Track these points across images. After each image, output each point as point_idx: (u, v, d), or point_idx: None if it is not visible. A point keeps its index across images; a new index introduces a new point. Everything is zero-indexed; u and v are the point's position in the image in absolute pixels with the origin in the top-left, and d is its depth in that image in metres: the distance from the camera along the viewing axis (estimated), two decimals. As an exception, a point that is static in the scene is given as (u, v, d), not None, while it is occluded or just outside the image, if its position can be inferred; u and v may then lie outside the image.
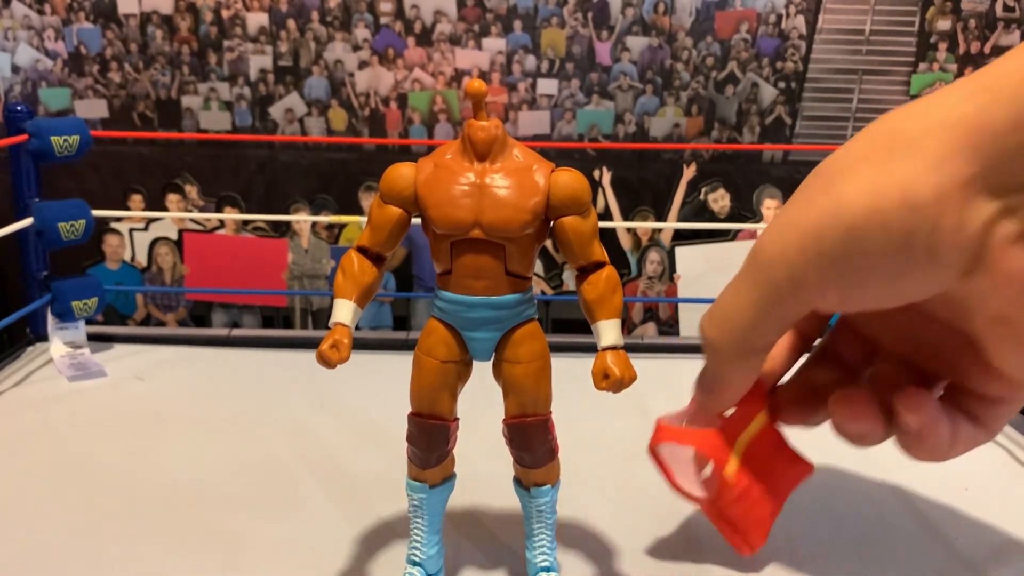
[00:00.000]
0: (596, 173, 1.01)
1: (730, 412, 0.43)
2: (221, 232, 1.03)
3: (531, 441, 0.44)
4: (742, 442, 0.41)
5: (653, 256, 1.04)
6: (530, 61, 0.99)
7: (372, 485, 0.59)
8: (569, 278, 1.05)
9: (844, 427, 0.38)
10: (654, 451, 0.45)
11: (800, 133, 1.02)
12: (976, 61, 0.98)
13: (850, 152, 0.30)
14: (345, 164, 1.02)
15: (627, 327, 1.07)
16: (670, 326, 1.07)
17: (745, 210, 1.03)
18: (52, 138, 0.77)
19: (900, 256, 0.28)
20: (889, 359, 0.40)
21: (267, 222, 1.02)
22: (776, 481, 0.45)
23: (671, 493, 0.49)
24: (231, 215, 1.02)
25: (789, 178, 1.02)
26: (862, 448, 0.39)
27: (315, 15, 0.98)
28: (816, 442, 0.70)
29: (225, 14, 0.98)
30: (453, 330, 0.43)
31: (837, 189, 0.29)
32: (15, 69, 0.99)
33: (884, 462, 0.65)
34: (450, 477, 0.47)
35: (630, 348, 0.42)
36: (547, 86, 1.00)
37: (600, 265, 0.42)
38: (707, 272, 1.04)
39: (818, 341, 0.44)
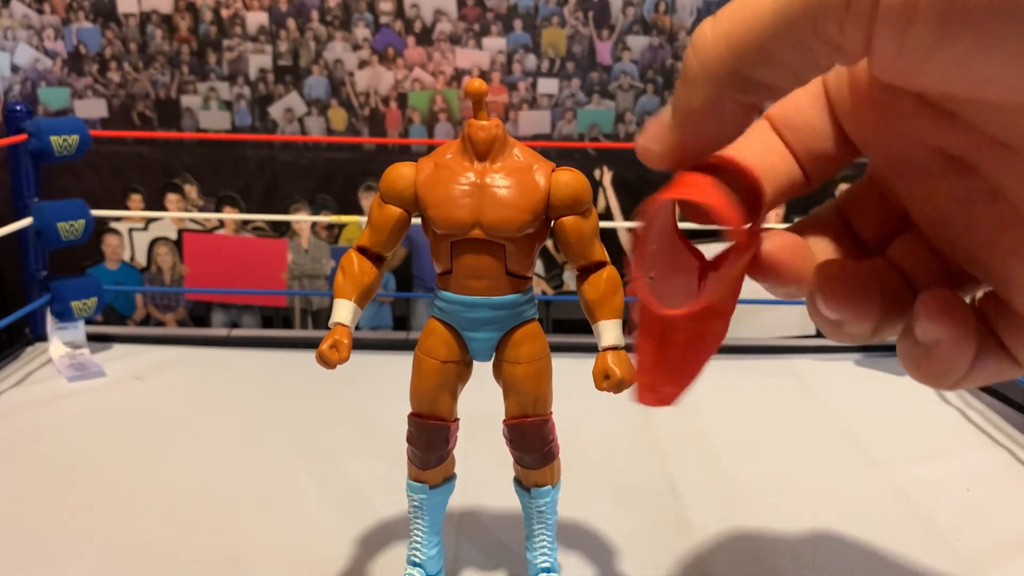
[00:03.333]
0: (597, 173, 1.01)
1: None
2: (221, 232, 1.03)
3: (531, 441, 0.44)
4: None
5: (653, 256, 1.03)
6: (530, 60, 0.99)
7: (372, 485, 0.59)
8: (569, 278, 1.05)
9: (825, 304, 0.28)
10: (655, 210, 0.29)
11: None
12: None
13: None
14: (345, 164, 1.02)
15: (628, 327, 1.06)
16: (670, 326, 1.06)
17: (745, 210, 1.03)
18: (51, 138, 0.77)
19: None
20: (915, 242, 0.29)
21: (267, 222, 1.02)
22: (715, 329, 0.30)
23: (673, 496, 0.49)
24: (231, 215, 1.02)
25: (789, 178, 1.02)
26: (837, 340, 0.29)
27: (315, 14, 0.98)
28: (816, 441, 0.70)
29: (225, 13, 0.98)
30: (453, 330, 0.43)
31: None
32: (14, 68, 0.99)
33: (884, 462, 0.65)
34: (450, 478, 0.47)
35: (631, 348, 0.42)
36: (547, 85, 1.00)
37: (601, 265, 0.42)
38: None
39: (826, 203, 0.32)
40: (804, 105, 0.29)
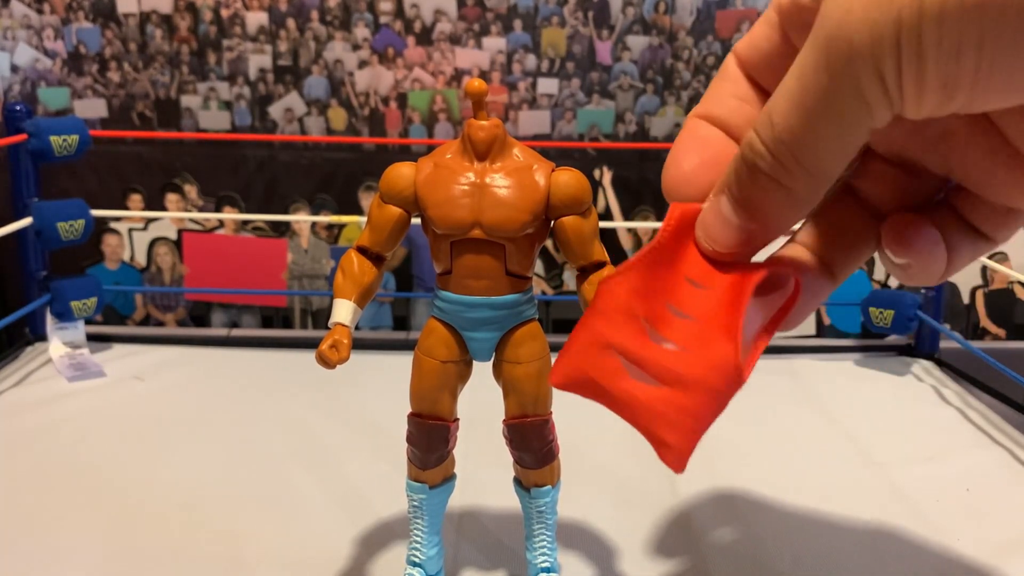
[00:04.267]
0: (596, 173, 1.01)
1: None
2: (220, 232, 1.03)
3: (531, 441, 0.44)
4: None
5: (653, 256, 1.03)
6: (530, 60, 0.99)
7: (372, 485, 0.59)
8: (569, 278, 1.05)
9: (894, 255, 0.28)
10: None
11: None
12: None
13: None
14: (345, 164, 1.02)
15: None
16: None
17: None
18: (51, 138, 0.77)
19: None
20: (877, 165, 0.29)
21: (266, 222, 1.02)
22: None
23: (673, 496, 0.49)
24: (230, 215, 1.02)
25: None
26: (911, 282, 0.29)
27: (315, 14, 0.98)
28: (816, 442, 0.70)
29: (224, 13, 0.98)
30: (453, 330, 0.43)
31: None
32: (14, 68, 0.99)
33: (884, 462, 0.65)
34: (450, 478, 0.47)
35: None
36: (547, 85, 1.00)
37: (601, 265, 0.42)
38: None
39: None
40: (760, 37, 0.28)
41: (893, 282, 1.02)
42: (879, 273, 1.04)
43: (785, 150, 0.23)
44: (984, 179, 0.27)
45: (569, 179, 0.40)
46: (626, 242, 1.04)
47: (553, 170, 0.41)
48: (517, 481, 0.47)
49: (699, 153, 0.27)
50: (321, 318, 1.06)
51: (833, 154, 0.23)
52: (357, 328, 0.42)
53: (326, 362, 0.39)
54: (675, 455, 0.26)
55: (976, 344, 0.90)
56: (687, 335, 0.26)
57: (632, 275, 0.27)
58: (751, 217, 0.25)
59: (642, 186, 1.02)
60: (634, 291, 0.27)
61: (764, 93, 0.28)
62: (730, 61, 0.28)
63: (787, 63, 0.24)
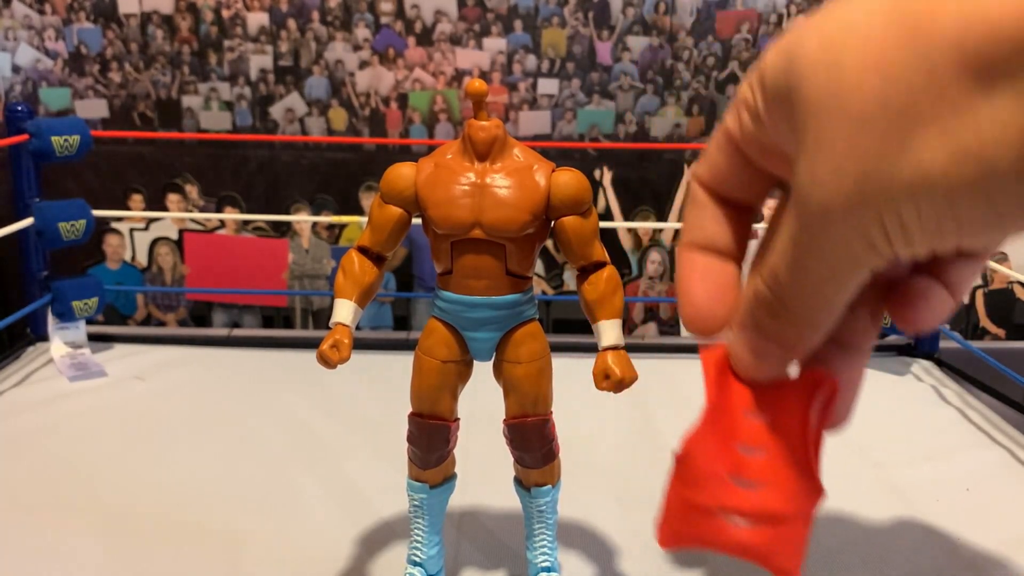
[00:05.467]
0: (597, 173, 1.01)
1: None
2: (221, 232, 1.03)
3: (531, 441, 0.44)
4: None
5: (654, 256, 1.04)
6: (531, 61, 0.99)
7: (372, 485, 0.59)
8: (569, 278, 1.05)
9: None
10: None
11: (801, 133, 1.02)
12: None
13: (911, 87, 0.20)
14: (345, 164, 1.02)
15: (628, 327, 1.07)
16: (671, 326, 1.06)
17: (746, 210, 1.03)
18: (52, 138, 0.77)
19: (1017, 199, 0.20)
20: None
21: (267, 222, 1.02)
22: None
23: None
24: (231, 215, 1.02)
25: (790, 178, 1.02)
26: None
27: (315, 15, 0.98)
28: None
29: (225, 14, 0.98)
30: (453, 330, 0.43)
31: (915, 143, 0.20)
32: (15, 69, 0.99)
33: (884, 462, 0.65)
34: (450, 477, 0.47)
35: (631, 348, 0.42)
36: (548, 86, 1.00)
37: (601, 265, 0.42)
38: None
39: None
40: (717, 160, 0.29)
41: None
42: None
43: (790, 297, 0.25)
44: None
45: (569, 179, 0.41)
46: (626, 242, 1.04)
47: (553, 170, 0.41)
48: (517, 481, 0.47)
49: (704, 284, 0.29)
50: (322, 318, 1.06)
51: (835, 295, 0.24)
52: (358, 328, 0.42)
53: (327, 362, 0.39)
54: (791, 572, 0.29)
55: (976, 344, 0.90)
56: (766, 469, 0.28)
57: (700, 439, 0.29)
58: (777, 345, 0.27)
59: (642, 186, 1.02)
60: (706, 452, 0.29)
61: (734, 206, 0.29)
62: (695, 188, 0.29)
63: (748, 173, 0.26)
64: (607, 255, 0.42)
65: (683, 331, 1.06)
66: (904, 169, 0.20)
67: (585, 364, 0.42)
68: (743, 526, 0.29)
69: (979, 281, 1.04)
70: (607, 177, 1.02)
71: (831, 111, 0.21)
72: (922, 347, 0.89)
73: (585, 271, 0.42)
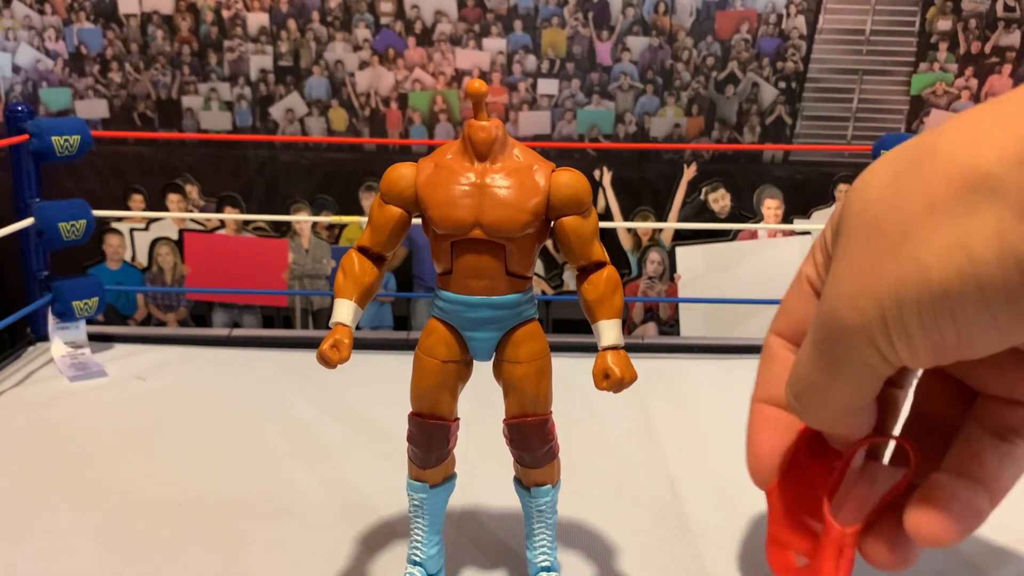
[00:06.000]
0: (596, 173, 1.01)
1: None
2: (222, 232, 1.03)
3: (531, 441, 0.44)
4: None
5: (654, 256, 1.04)
6: (530, 61, 0.99)
7: (372, 485, 0.59)
8: (569, 278, 1.05)
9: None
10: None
11: (800, 133, 1.02)
12: (976, 61, 0.98)
13: (912, 198, 0.24)
14: (345, 164, 1.02)
15: (628, 327, 1.07)
16: (670, 326, 1.07)
17: (745, 210, 1.03)
18: (53, 138, 0.77)
19: (1006, 309, 0.23)
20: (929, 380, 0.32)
21: (267, 222, 1.02)
22: None
23: (673, 496, 0.49)
24: (232, 215, 1.02)
25: (789, 178, 1.02)
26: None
27: (315, 15, 0.98)
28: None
29: (226, 14, 0.98)
30: (453, 330, 0.43)
31: (913, 250, 0.24)
32: (16, 69, 0.99)
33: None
34: (450, 477, 0.47)
35: (631, 348, 0.42)
36: (547, 86, 1.00)
37: (600, 265, 0.42)
38: (707, 272, 1.04)
39: None
40: (796, 311, 0.32)
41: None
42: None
43: (812, 399, 0.28)
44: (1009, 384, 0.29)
45: (569, 179, 0.41)
46: (626, 242, 1.04)
47: (553, 170, 0.41)
48: (517, 480, 0.47)
49: (770, 438, 0.34)
50: (322, 318, 1.06)
51: (855, 399, 0.27)
52: (358, 328, 0.42)
53: (327, 362, 0.39)
54: None
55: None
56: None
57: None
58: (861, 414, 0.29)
59: (642, 186, 1.02)
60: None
61: None
62: (773, 342, 0.33)
63: None
64: (607, 255, 0.42)
65: (682, 331, 1.06)
66: (908, 268, 0.23)
67: (585, 364, 0.42)
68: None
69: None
70: (607, 177, 1.02)
71: (856, 222, 0.25)
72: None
73: (585, 271, 0.42)
